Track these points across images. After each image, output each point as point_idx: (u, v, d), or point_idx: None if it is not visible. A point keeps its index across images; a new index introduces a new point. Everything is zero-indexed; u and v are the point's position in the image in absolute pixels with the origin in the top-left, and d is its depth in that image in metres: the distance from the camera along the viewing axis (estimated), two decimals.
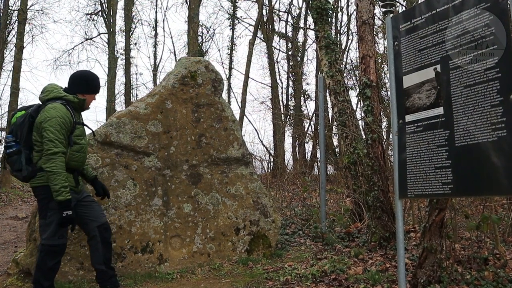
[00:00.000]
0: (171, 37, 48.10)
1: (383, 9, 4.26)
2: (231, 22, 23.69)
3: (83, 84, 4.37)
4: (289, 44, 24.16)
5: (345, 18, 25.77)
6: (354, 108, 9.14)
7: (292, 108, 23.25)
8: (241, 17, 25.24)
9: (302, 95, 22.63)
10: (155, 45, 26.94)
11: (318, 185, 9.55)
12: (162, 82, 5.92)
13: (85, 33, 32.25)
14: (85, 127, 4.45)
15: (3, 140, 4.16)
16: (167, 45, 50.85)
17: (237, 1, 23.80)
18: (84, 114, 4.77)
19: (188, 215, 5.53)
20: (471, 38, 3.31)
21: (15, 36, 17.39)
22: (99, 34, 25.69)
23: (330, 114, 15.42)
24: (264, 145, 18.64)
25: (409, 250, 5.66)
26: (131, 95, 24.96)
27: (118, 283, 4.52)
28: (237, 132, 5.98)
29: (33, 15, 21.44)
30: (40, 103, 4.24)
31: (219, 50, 41.07)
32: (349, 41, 22.18)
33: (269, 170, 16.59)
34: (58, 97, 4.18)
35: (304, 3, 22.62)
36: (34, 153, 4.10)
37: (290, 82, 23.92)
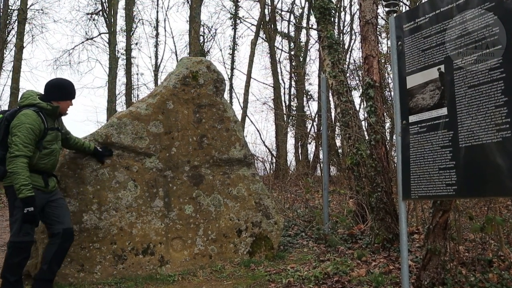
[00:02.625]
0: (173, 37, 47.96)
1: (387, 9, 4.23)
2: (233, 22, 23.74)
3: (56, 92, 4.58)
4: (292, 44, 24.17)
5: (348, 17, 25.72)
6: (357, 109, 9.11)
7: (294, 108, 23.23)
8: (243, 16, 25.14)
9: (304, 96, 22.64)
10: (156, 45, 26.95)
11: (320, 186, 9.50)
12: (163, 82, 5.89)
13: (86, 33, 32.28)
14: (59, 132, 4.62)
15: None
16: (169, 45, 51.07)
17: (239, 0, 23.82)
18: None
19: (190, 217, 5.50)
20: (475, 38, 3.29)
21: (15, 36, 17.45)
22: (100, 34, 25.69)
23: (333, 114, 15.39)
24: (266, 146, 18.66)
25: (413, 252, 5.62)
26: (132, 95, 24.96)
27: (51, 287, 4.50)
28: (239, 133, 5.94)
29: (33, 15, 21.53)
30: (16, 108, 4.49)
31: (221, 50, 41.05)
32: (352, 41, 22.20)
33: (272, 171, 16.56)
34: (32, 104, 4.39)
35: (307, 2, 22.64)
36: (7, 155, 4.24)
37: (293, 83, 23.92)
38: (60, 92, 4.60)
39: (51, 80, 4.69)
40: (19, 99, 4.53)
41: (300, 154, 20.82)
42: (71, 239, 4.57)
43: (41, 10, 25.86)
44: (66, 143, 4.89)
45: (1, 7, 17.60)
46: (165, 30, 49.63)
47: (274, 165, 17.43)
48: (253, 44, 20.96)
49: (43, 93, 4.60)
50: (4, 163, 4.24)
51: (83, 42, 25.62)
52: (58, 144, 4.61)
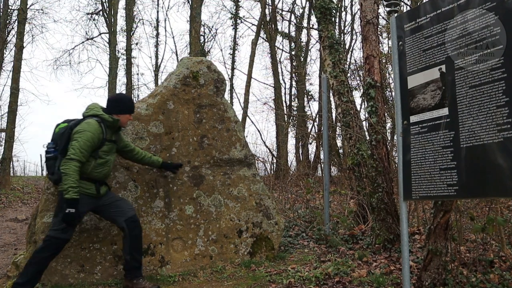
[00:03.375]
0: (173, 37, 48.24)
1: (388, 9, 4.22)
2: (234, 22, 23.76)
3: (117, 106, 4.85)
4: (292, 44, 24.18)
5: (349, 17, 25.78)
6: (358, 109, 9.09)
7: (295, 108, 23.24)
8: (243, 16, 25.19)
9: (305, 96, 22.64)
10: (156, 45, 27.00)
11: (321, 187, 9.49)
12: (163, 82, 5.87)
13: (86, 33, 32.36)
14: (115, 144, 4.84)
15: (45, 146, 4.58)
16: (169, 45, 51.10)
17: (240, 0, 23.81)
18: None
19: (190, 217, 5.49)
20: (477, 38, 3.28)
21: (15, 35, 17.40)
22: (100, 34, 25.75)
23: (333, 115, 15.37)
24: (267, 146, 18.66)
25: (414, 252, 5.61)
26: (132, 95, 25.00)
27: (140, 273, 4.76)
28: (240, 133, 5.93)
29: (33, 15, 21.52)
30: (80, 118, 4.75)
31: (221, 50, 41.22)
32: (353, 41, 22.24)
33: (272, 172, 16.56)
34: (95, 114, 4.69)
35: (308, 2, 22.67)
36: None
37: (293, 83, 23.94)
38: (119, 106, 4.85)
39: (113, 95, 5.15)
40: (84, 110, 4.82)
41: (300, 155, 20.82)
42: (137, 225, 4.78)
43: (41, 10, 25.97)
44: (129, 155, 5.10)
45: (1, 7, 17.57)
46: (166, 30, 49.72)
47: (274, 165, 17.43)
48: (254, 44, 20.96)
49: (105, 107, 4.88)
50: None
51: (83, 42, 25.72)
52: (113, 156, 4.82)
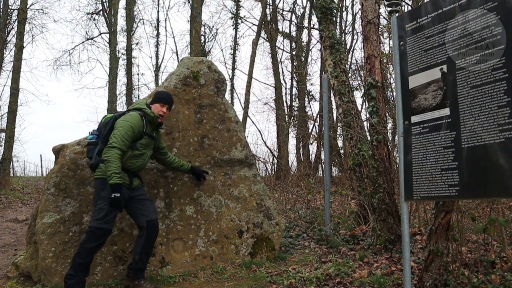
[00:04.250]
0: (173, 37, 48.15)
1: (389, 9, 4.22)
2: (234, 22, 23.73)
3: (153, 98, 5.08)
4: (293, 44, 24.16)
5: (350, 17, 25.84)
6: (359, 109, 9.07)
7: (296, 109, 23.23)
8: (244, 16, 25.16)
9: (306, 96, 22.63)
10: (157, 45, 26.97)
11: (322, 187, 9.48)
12: (164, 82, 5.86)
13: (86, 33, 32.34)
14: (153, 139, 4.97)
15: (89, 133, 4.72)
16: (169, 45, 51.07)
17: (240, 0, 23.80)
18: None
19: (191, 218, 5.48)
20: (478, 38, 3.27)
21: (15, 35, 17.40)
22: (100, 33, 25.71)
23: (334, 115, 15.38)
24: (267, 147, 18.65)
25: (415, 253, 5.59)
26: (133, 95, 24.99)
27: (142, 275, 4.82)
28: (240, 133, 5.92)
29: (33, 15, 21.49)
30: (126, 110, 4.94)
31: (222, 50, 41.21)
32: (354, 41, 22.22)
33: (273, 172, 16.55)
34: (139, 108, 4.87)
35: (308, 2, 22.64)
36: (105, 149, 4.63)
37: (294, 83, 23.92)
38: (155, 97, 5.07)
39: (158, 91, 5.35)
40: (135, 105, 4.99)
41: (301, 155, 20.82)
42: (156, 229, 4.86)
43: (41, 9, 25.93)
44: (161, 157, 5.23)
45: (1, 6, 17.56)
46: (166, 30, 49.48)
47: (275, 165, 17.42)
48: (255, 44, 20.95)
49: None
50: (100, 155, 4.62)
51: (83, 42, 25.67)
52: (149, 151, 4.95)
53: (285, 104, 23.14)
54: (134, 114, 4.73)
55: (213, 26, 26.39)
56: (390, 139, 11.83)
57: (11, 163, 18.64)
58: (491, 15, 3.17)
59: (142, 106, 4.89)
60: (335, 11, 8.17)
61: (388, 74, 13.22)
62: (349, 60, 20.30)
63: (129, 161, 4.69)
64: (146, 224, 4.73)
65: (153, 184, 5.38)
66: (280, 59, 23.81)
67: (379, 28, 6.73)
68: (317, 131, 18.94)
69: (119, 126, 4.60)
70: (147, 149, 4.87)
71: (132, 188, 4.76)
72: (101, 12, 25.03)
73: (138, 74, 30.98)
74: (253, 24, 23.56)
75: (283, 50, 24.39)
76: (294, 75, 23.78)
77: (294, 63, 23.84)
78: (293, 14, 24.78)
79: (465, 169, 3.30)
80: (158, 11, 36.80)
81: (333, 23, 7.91)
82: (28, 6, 17.37)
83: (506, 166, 3.02)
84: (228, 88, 19.95)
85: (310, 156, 20.30)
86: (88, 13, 25.05)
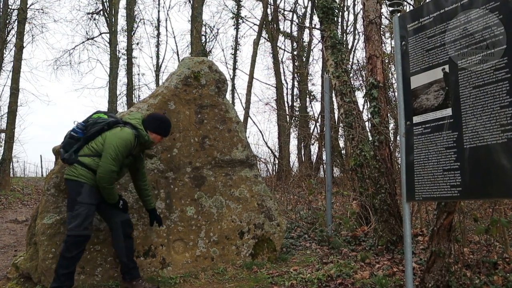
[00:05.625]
0: (174, 37, 47.99)
1: (390, 8, 4.18)
2: (235, 22, 23.70)
3: (154, 123, 4.84)
4: (295, 44, 24.16)
5: (351, 17, 25.76)
6: (361, 109, 9.06)
7: (297, 109, 23.22)
8: (245, 16, 25.16)
9: (307, 96, 22.60)
10: (157, 45, 26.96)
11: (324, 188, 9.47)
12: (164, 82, 5.84)
13: (86, 33, 32.25)
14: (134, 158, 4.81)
15: (75, 124, 4.61)
16: (170, 45, 50.98)
17: (241, 0, 23.80)
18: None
19: (191, 219, 5.46)
20: (480, 37, 3.25)
21: (15, 35, 17.41)
22: (101, 33, 25.73)
23: (336, 115, 15.37)
24: (269, 147, 18.65)
25: (417, 254, 5.58)
26: (133, 96, 24.99)
27: (138, 274, 4.81)
28: (241, 134, 5.90)
29: (33, 14, 21.50)
30: (120, 119, 4.76)
31: (223, 50, 41.08)
32: (356, 41, 22.18)
33: (274, 173, 16.55)
34: (135, 126, 4.67)
35: (310, 2, 22.63)
36: (84, 151, 4.54)
37: (296, 83, 23.92)
38: (158, 125, 4.85)
39: (157, 113, 5.13)
40: (128, 113, 4.92)
41: (303, 155, 20.81)
42: (131, 225, 4.86)
43: (41, 9, 26.04)
44: (135, 176, 4.98)
45: (1, 6, 17.55)
46: (167, 30, 49.54)
47: (276, 166, 17.42)
48: (256, 44, 20.92)
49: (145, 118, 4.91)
50: (76, 153, 4.52)
51: (83, 42, 25.69)
52: (126, 169, 4.81)
53: (286, 105, 23.13)
54: (130, 134, 4.54)
55: (214, 26, 26.38)
56: (392, 139, 11.82)
57: (11, 164, 18.66)
58: (493, 15, 3.15)
59: (139, 125, 4.70)
60: (337, 11, 8.15)
61: (390, 74, 13.20)
62: (351, 60, 20.28)
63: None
64: (121, 223, 4.69)
65: (154, 185, 5.36)
66: (281, 59, 23.80)
67: (381, 28, 6.71)
68: (319, 131, 18.91)
69: (114, 145, 4.42)
70: (125, 167, 4.73)
71: None
72: (101, 12, 25.06)
73: (138, 74, 30.99)
74: (254, 24, 23.53)
75: (284, 50, 24.39)
76: (296, 75, 23.77)
77: (296, 63, 23.83)
78: (295, 14, 24.80)
79: (467, 169, 3.28)
80: (158, 11, 37.04)
81: (335, 23, 7.89)
82: (28, 6, 17.36)
83: (508, 167, 3.00)
84: (229, 88, 19.94)
85: (312, 157, 20.30)
86: (88, 13, 25.08)
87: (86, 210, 4.38)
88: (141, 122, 4.75)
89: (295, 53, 23.83)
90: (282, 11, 24.12)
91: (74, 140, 4.58)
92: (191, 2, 22.23)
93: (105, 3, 24.63)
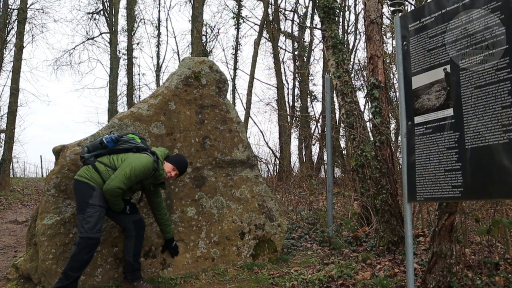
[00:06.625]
0: (175, 37, 48.03)
1: (392, 8, 4.17)
2: (236, 22, 23.70)
3: (173, 158, 4.96)
4: (295, 44, 24.15)
5: (352, 17, 25.73)
6: (362, 110, 9.05)
7: (298, 109, 23.21)
8: (246, 16, 25.14)
9: (308, 96, 22.59)
10: (158, 45, 26.94)
11: (325, 188, 9.45)
12: (165, 83, 5.83)
13: (87, 33, 32.16)
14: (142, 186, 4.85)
15: (110, 135, 4.67)
16: (171, 45, 50.87)
17: (242, 0, 23.79)
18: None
19: (192, 219, 5.45)
20: (481, 38, 3.24)
21: (15, 35, 17.39)
22: (101, 33, 25.70)
23: (337, 115, 15.35)
24: (269, 147, 18.59)
25: (418, 254, 5.56)
26: (134, 96, 24.97)
27: (140, 275, 4.86)
28: (242, 134, 5.89)
29: (33, 14, 21.48)
30: (149, 148, 4.84)
31: (223, 50, 40.96)
32: (357, 41, 22.15)
33: (275, 173, 16.55)
34: (158, 157, 4.74)
35: (311, 2, 22.62)
36: (103, 159, 4.64)
37: (296, 83, 23.92)
38: (175, 160, 4.93)
39: (183, 156, 5.16)
40: (158, 148, 4.92)
41: (304, 156, 20.80)
42: (144, 226, 4.92)
43: (41, 9, 26.04)
44: (152, 204, 5.06)
45: (1, 6, 17.53)
46: (167, 30, 49.34)
47: (277, 166, 17.41)
48: (256, 44, 20.90)
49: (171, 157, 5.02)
50: (96, 158, 4.64)
51: (84, 42, 25.66)
52: (131, 193, 4.84)
53: (287, 105, 23.10)
54: (149, 163, 4.59)
55: (214, 26, 26.38)
56: (393, 139, 11.79)
57: (11, 164, 18.65)
58: (494, 15, 3.14)
59: (161, 158, 4.77)
60: (338, 11, 8.14)
61: (391, 74, 13.16)
62: (352, 60, 20.24)
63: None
64: (134, 224, 4.76)
65: None
66: (282, 59, 23.78)
67: (382, 28, 6.69)
68: (320, 131, 18.90)
69: (132, 165, 4.49)
70: (130, 191, 4.76)
71: None
72: (101, 12, 25.05)
73: (139, 74, 31.02)
74: (255, 24, 23.53)
75: (285, 50, 24.39)
76: (296, 75, 23.76)
77: (296, 63, 23.83)
78: (295, 14, 24.79)
79: (468, 170, 3.27)
80: (159, 11, 36.98)
81: (336, 23, 7.88)
82: (28, 6, 17.34)
83: (510, 167, 2.99)
84: (230, 88, 19.98)
85: (313, 157, 20.29)
86: (88, 13, 25.06)
87: (98, 212, 4.42)
88: (164, 156, 4.85)
89: (296, 53, 23.84)
90: (283, 11, 24.13)
91: (101, 146, 4.68)
92: (192, 2, 22.20)
93: (105, 3, 24.62)
